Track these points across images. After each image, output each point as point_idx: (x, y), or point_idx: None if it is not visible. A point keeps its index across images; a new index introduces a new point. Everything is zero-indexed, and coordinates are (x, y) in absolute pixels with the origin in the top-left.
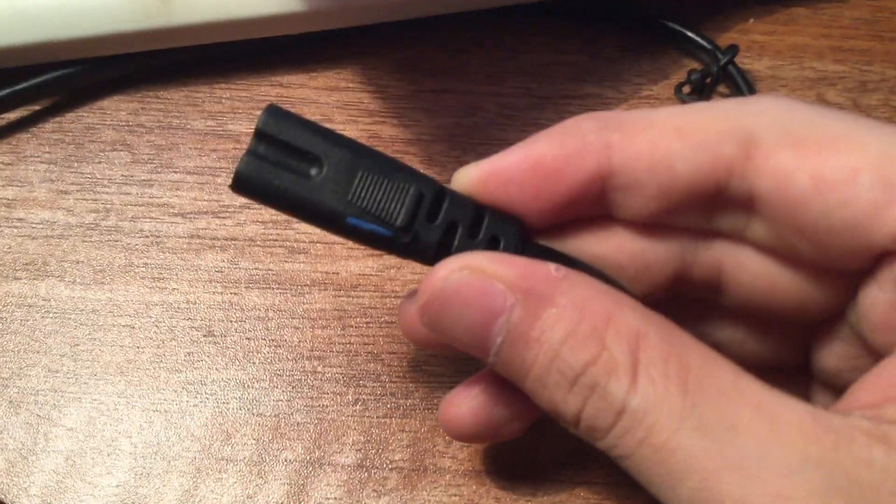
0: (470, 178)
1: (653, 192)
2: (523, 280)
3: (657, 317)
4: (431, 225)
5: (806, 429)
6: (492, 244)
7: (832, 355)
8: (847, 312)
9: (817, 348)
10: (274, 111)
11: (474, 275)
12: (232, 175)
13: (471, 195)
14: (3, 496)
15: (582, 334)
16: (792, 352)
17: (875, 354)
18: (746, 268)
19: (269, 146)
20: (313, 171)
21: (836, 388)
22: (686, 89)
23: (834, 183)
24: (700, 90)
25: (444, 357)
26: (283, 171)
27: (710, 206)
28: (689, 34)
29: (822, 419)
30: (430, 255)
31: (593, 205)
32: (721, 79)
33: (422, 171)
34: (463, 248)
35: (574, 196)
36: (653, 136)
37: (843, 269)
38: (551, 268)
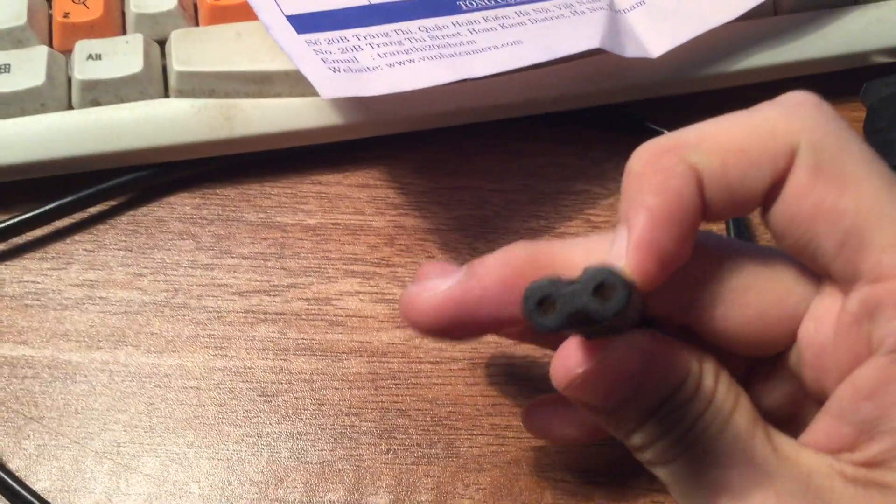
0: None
1: (726, 207)
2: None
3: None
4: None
5: (802, 463)
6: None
7: (772, 392)
8: (788, 353)
9: (757, 385)
10: None
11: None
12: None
13: None
14: None
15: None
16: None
17: (812, 395)
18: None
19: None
20: None
21: (774, 421)
22: None
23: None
24: None
25: (461, 414)
26: None
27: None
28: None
29: (811, 457)
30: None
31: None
32: None
33: (440, 255)
34: None
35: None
36: (723, 157)
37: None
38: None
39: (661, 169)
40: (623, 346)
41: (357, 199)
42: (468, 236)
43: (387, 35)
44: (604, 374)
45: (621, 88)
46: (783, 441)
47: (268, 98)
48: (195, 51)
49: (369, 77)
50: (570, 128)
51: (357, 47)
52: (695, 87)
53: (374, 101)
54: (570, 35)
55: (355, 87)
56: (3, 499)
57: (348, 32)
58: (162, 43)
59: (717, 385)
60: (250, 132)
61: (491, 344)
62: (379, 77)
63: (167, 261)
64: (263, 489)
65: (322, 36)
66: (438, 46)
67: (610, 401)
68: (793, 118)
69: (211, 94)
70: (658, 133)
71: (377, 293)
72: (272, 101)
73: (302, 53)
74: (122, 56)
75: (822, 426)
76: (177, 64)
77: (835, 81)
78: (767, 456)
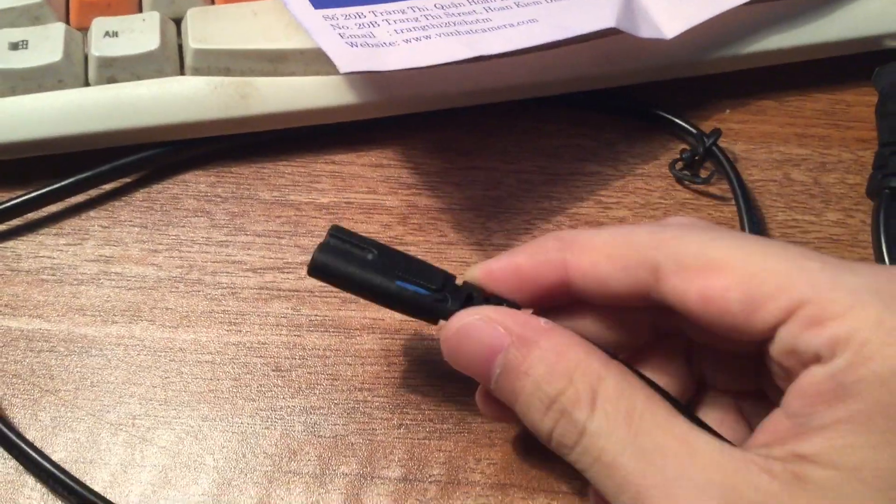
0: (474, 274)
1: (599, 296)
2: (519, 327)
3: (617, 365)
4: (455, 295)
5: (715, 459)
6: None
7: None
8: None
9: (765, 379)
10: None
11: (483, 320)
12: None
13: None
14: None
15: (558, 372)
16: (748, 380)
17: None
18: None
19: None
20: (369, 257)
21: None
22: (679, 165)
23: (713, 299)
24: (690, 166)
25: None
26: (345, 257)
27: (649, 301)
28: (679, 121)
29: (727, 452)
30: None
31: (567, 296)
32: (706, 157)
33: (452, 234)
34: None
35: (547, 293)
36: (592, 258)
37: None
38: (541, 321)
39: (541, 247)
40: (465, 314)
41: (370, 178)
42: (480, 216)
43: (403, 12)
44: (457, 338)
45: (635, 70)
46: (702, 438)
47: (283, 76)
48: (211, 29)
49: (386, 52)
50: (585, 110)
51: (374, 23)
52: (708, 69)
53: (389, 81)
54: (586, 14)
55: (372, 62)
56: (23, 468)
57: (365, 9)
58: (178, 21)
59: (605, 375)
60: (265, 110)
61: None
62: (396, 52)
63: (182, 237)
64: (277, 462)
65: (339, 11)
66: (454, 24)
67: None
68: (656, 233)
69: (227, 72)
70: (667, 120)
71: None
72: (287, 79)
73: (319, 28)
74: (138, 34)
75: (772, 419)
76: (193, 42)
77: (846, 65)
78: (679, 451)
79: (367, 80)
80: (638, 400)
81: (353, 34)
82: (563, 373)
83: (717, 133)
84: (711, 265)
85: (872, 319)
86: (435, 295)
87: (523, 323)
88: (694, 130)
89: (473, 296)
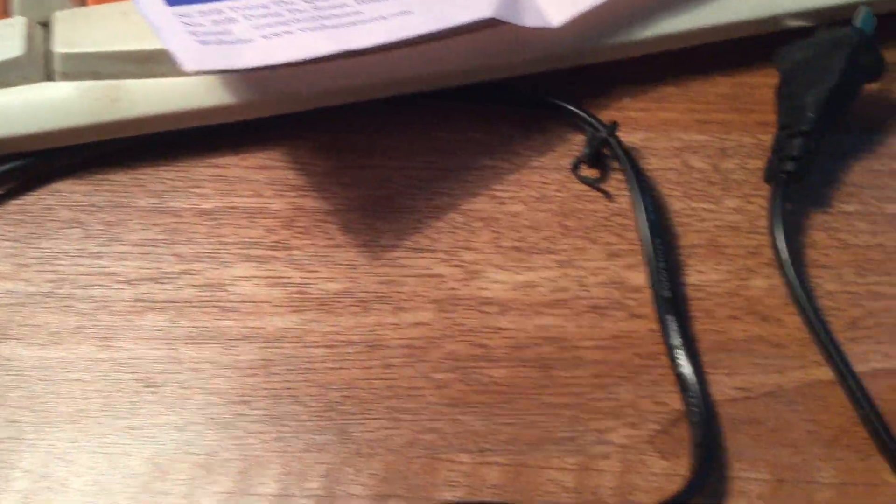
0: None
1: None
2: None
3: None
4: None
5: None
6: None
7: None
8: None
9: None
10: None
11: None
12: None
13: None
14: None
15: None
16: None
17: None
18: None
19: None
20: None
21: None
22: (583, 169)
23: None
24: (595, 160)
25: (356, 399)
26: None
27: None
28: (578, 111)
29: None
30: None
31: None
32: (602, 150)
33: (340, 236)
34: None
35: None
36: None
37: None
38: None
39: None
40: None
41: (255, 181)
42: (369, 216)
43: (266, 6)
44: None
45: (523, 61)
46: None
47: (154, 78)
48: (78, 32)
49: (242, 49)
50: (479, 104)
51: (232, 19)
52: (600, 56)
53: (266, 79)
54: (463, 4)
55: (225, 60)
56: None
57: (223, 5)
58: (48, 25)
59: None
60: (137, 114)
61: (388, 326)
62: (252, 49)
63: (54, 250)
64: (146, 482)
65: (195, 8)
66: (321, 18)
67: None
68: None
69: (96, 75)
70: (562, 108)
71: (273, 277)
72: (158, 81)
73: (167, 25)
74: (2, 40)
75: None
76: (59, 46)
77: (747, 47)
78: None
79: (242, 79)
80: None
81: (207, 31)
82: None
83: (614, 126)
84: None
85: None
86: None
87: None
88: (591, 119)
89: None
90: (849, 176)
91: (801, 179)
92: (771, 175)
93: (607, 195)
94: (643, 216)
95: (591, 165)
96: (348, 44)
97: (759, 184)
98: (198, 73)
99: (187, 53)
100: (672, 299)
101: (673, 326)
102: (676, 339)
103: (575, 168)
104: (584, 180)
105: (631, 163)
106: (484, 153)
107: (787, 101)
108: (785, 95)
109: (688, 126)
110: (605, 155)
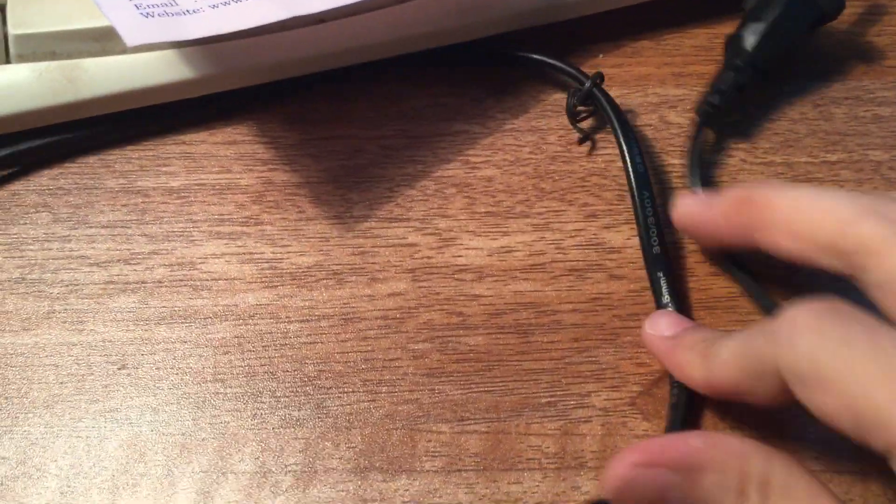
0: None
1: (740, 402)
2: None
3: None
4: None
5: None
6: None
7: None
8: None
9: None
10: None
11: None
12: None
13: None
14: None
15: (733, 489)
16: None
17: None
18: None
19: None
20: None
21: None
22: (577, 110)
23: (829, 416)
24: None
25: (332, 373)
26: None
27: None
28: (560, 64)
29: None
30: None
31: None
32: (586, 102)
33: (311, 209)
34: None
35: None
36: (725, 374)
37: None
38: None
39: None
40: None
41: (224, 156)
42: (340, 187)
43: None
44: None
45: (489, 21)
46: None
47: (112, 56)
48: (33, 12)
49: (188, 20)
50: (450, 68)
51: None
52: (571, 13)
53: (226, 51)
54: None
55: (170, 32)
56: None
57: None
58: (2, 8)
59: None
60: (96, 93)
61: (363, 298)
62: (199, 20)
63: (22, 236)
64: (123, 464)
65: None
66: None
67: None
68: (772, 342)
69: (52, 56)
70: (533, 61)
71: (244, 253)
72: (116, 58)
73: (109, 0)
74: None
75: None
76: (13, 27)
77: None
78: None
79: (201, 53)
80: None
81: (151, 4)
82: (736, 487)
83: (598, 76)
84: (821, 380)
85: None
86: None
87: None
88: (574, 70)
89: None
90: (832, 125)
91: (728, 115)
92: (699, 108)
93: (594, 144)
94: (630, 169)
95: (571, 122)
96: (299, 9)
97: (741, 137)
98: (141, 46)
99: (129, 27)
100: (662, 255)
101: (663, 284)
102: (666, 298)
103: (573, 115)
104: (581, 131)
105: (616, 114)
106: (455, 118)
107: (733, 40)
108: (733, 35)
109: (664, 80)
110: (579, 112)
